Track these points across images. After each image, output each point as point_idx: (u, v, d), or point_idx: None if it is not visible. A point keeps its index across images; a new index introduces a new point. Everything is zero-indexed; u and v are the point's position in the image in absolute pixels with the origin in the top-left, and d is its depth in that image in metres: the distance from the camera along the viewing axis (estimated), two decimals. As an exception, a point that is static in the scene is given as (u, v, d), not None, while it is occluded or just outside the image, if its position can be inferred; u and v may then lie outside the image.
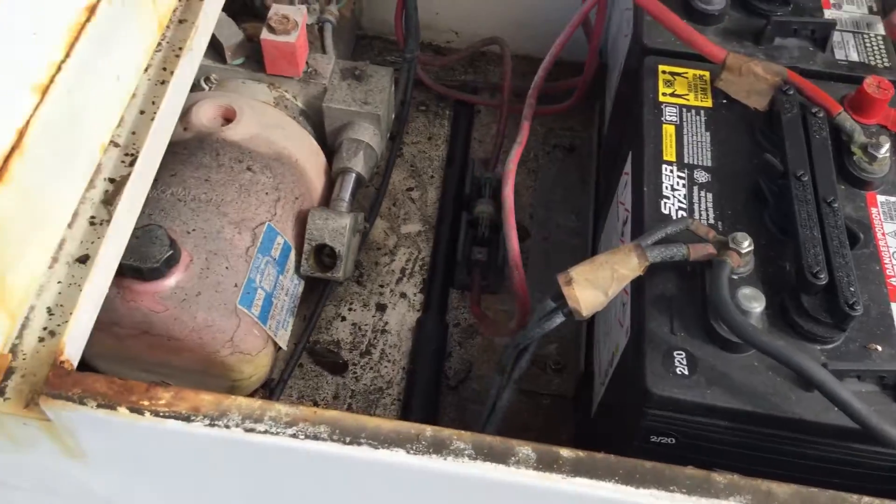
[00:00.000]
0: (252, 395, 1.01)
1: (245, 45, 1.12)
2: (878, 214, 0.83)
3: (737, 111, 0.91)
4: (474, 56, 1.58)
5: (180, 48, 0.83)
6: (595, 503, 0.56)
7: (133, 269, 0.82)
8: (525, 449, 0.57)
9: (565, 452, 0.56)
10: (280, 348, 0.98)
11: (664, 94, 0.92)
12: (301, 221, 1.03)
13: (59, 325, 0.63)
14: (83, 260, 0.68)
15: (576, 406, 1.10)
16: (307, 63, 1.14)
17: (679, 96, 0.92)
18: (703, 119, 0.90)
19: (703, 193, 0.84)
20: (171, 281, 0.85)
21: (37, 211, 0.61)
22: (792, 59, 0.97)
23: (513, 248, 0.89)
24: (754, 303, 0.72)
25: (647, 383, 0.70)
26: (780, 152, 0.85)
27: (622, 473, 0.55)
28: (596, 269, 0.73)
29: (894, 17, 1.01)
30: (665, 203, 0.82)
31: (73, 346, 0.62)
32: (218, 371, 0.90)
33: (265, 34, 1.06)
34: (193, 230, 0.90)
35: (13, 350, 0.61)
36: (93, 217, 0.70)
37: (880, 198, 0.84)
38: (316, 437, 0.58)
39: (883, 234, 0.81)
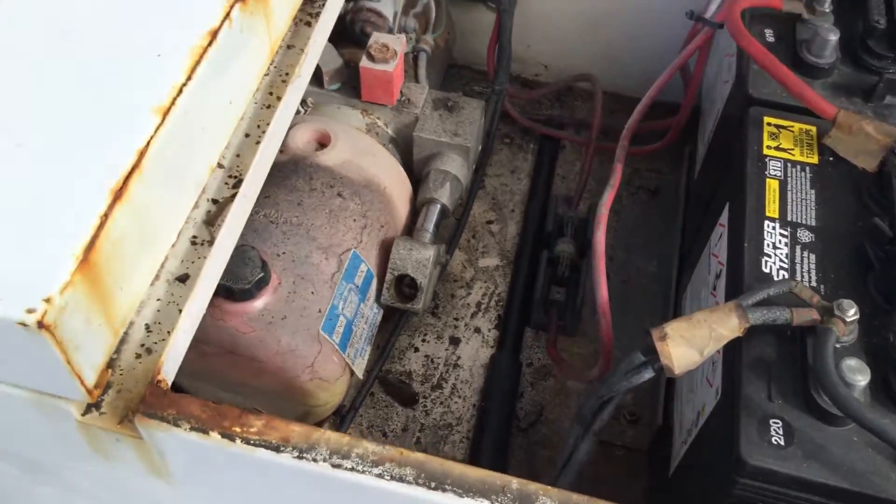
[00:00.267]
0: (322, 421, 1.01)
1: (342, 71, 1.14)
2: None
3: (844, 170, 0.88)
4: (561, 90, 1.57)
5: (287, 73, 0.84)
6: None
7: (224, 289, 0.83)
8: (612, 511, 0.55)
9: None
10: (356, 376, 0.98)
11: (768, 147, 0.89)
12: (384, 249, 1.03)
13: (155, 343, 0.64)
14: (183, 279, 0.69)
15: (651, 460, 1.07)
16: (401, 91, 1.15)
17: (784, 150, 0.89)
18: (808, 176, 0.87)
19: (805, 254, 0.81)
20: (259, 303, 0.86)
21: (148, 230, 0.63)
22: (904, 119, 0.93)
23: (601, 295, 0.87)
24: (859, 375, 0.69)
25: (741, 451, 0.67)
26: (889, 216, 0.81)
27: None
28: (693, 327, 0.71)
29: None
30: (766, 261, 0.79)
31: (170, 365, 0.63)
32: (295, 395, 0.90)
33: (364, 62, 1.08)
34: (283, 253, 0.91)
35: (111, 364, 0.62)
36: (195, 237, 0.71)
37: None
38: (401, 479, 0.57)
39: None
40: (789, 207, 0.84)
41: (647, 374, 0.74)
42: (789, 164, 0.88)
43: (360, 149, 1.05)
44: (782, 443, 0.67)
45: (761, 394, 0.70)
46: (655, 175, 1.45)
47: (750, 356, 0.72)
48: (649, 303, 1.27)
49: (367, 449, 0.58)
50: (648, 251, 1.34)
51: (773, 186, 0.86)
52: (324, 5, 0.91)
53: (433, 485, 0.57)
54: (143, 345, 0.64)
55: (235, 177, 0.76)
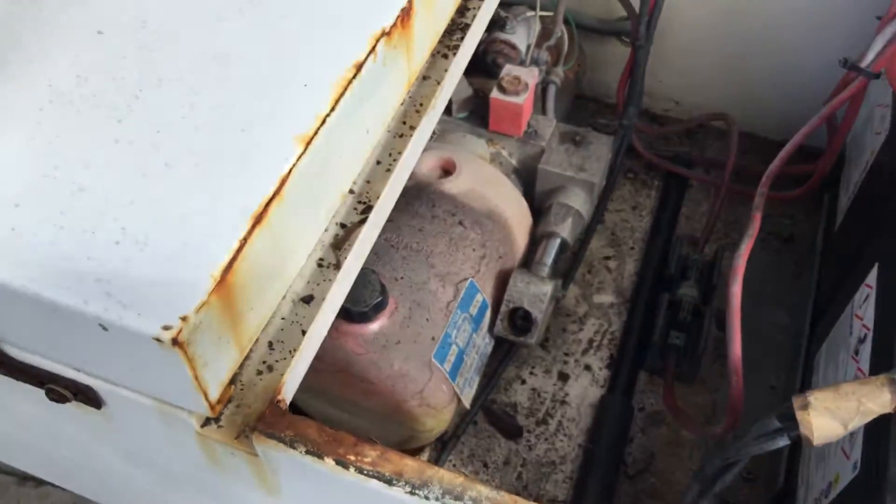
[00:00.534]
0: (424, 446, 1.01)
1: (471, 100, 1.14)
2: None
3: None
4: (691, 127, 1.52)
5: (421, 104, 0.85)
6: None
7: (343, 310, 0.84)
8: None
9: None
10: (462, 404, 0.98)
11: (928, 209, 0.83)
12: (501, 280, 1.02)
13: (277, 361, 0.66)
14: (307, 300, 0.70)
15: (768, 525, 1.00)
16: (528, 123, 1.14)
17: (946, 212, 0.82)
18: (971, 241, 0.80)
19: (966, 327, 0.74)
20: (375, 326, 0.87)
21: (282, 253, 0.64)
22: None
23: (735, 352, 0.83)
24: None
25: (885, 536, 0.61)
26: None
27: None
28: (839, 399, 0.66)
29: None
30: (920, 332, 0.73)
31: (290, 385, 0.64)
32: (402, 419, 0.91)
33: (496, 93, 1.08)
34: (402, 278, 0.92)
35: (233, 380, 0.64)
36: (321, 259, 0.72)
37: None
38: (513, 529, 0.55)
39: None
40: (950, 274, 0.77)
41: (782, 442, 0.70)
42: (951, 227, 0.81)
43: (483, 178, 1.05)
44: (930, 532, 0.62)
45: (909, 476, 0.64)
46: (790, 222, 1.37)
47: (898, 434, 0.67)
48: (776, 356, 1.20)
49: (480, 493, 0.56)
50: (778, 301, 1.27)
51: (931, 251, 0.79)
52: (462, 39, 0.92)
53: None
54: (264, 362, 0.66)
55: (365, 203, 0.77)
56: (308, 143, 0.64)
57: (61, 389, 0.63)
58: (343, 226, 0.76)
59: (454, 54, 0.91)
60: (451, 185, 1.01)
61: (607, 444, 1.08)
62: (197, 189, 0.61)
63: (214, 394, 0.60)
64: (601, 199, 1.33)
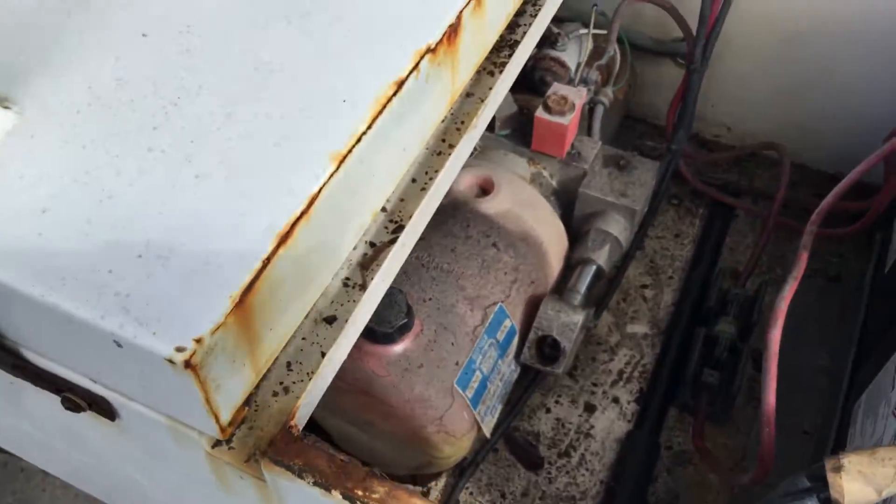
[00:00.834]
0: (442, 472, 0.99)
1: (515, 118, 1.12)
2: None
3: None
4: (741, 155, 1.47)
5: (463, 122, 0.82)
6: None
7: (367, 329, 0.82)
8: None
9: None
10: (482, 432, 0.95)
11: None
12: (531, 306, 0.99)
13: (294, 383, 0.64)
14: (330, 320, 0.68)
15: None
16: (572, 144, 1.11)
17: None
18: None
19: None
20: (399, 347, 0.85)
21: (306, 273, 0.63)
22: None
23: (769, 401, 0.79)
24: None
25: None
26: None
27: None
28: (875, 464, 0.62)
29: None
30: (970, 401, 0.69)
31: (305, 408, 0.63)
32: (420, 444, 0.89)
33: (541, 112, 1.05)
34: (430, 299, 0.90)
35: (247, 401, 0.62)
36: (347, 279, 0.71)
37: None
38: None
39: None
40: None
41: (810, 503, 0.66)
42: None
43: (521, 200, 1.02)
44: None
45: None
46: (838, 260, 1.32)
47: (938, 510, 0.63)
48: (814, 400, 1.15)
49: (487, 542, 0.54)
50: (820, 342, 1.22)
51: None
52: (510, 56, 0.89)
53: None
54: (281, 383, 0.64)
55: (396, 222, 0.75)
56: (341, 162, 0.62)
57: (77, 398, 0.63)
58: (373, 244, 0.74)
59: (500, 72, 0.88)
60: (488, 206, 0.99)
61: (630, 483, 1.05)
62: (225, 204, 0.59)
63: (226, 416, 0.59)
64: (643, 225, 1.30)
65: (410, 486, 0.95)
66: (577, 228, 1.11)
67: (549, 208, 1.06)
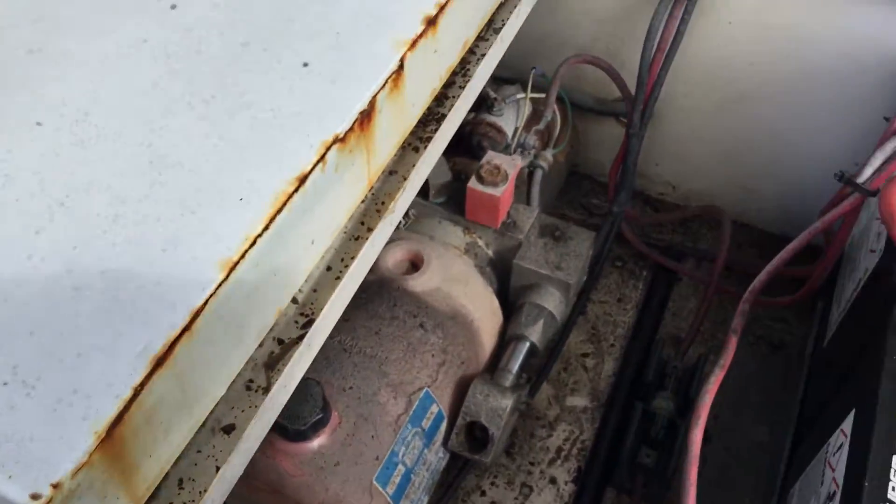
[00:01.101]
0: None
1: (450, 185, 1.08)
2: None
3: None
4: (686, 216, 1.45)
5: (383, 202, 0.78)
6: None
7: (279, 426, 0.77)
8: None
9: None
10: (408, 524, 0.90)
11: (918, 360, 0.76)
12: (461, 387, 0.95)
13: (185, 503, 0.59)
14: (228, 430, 0.63)
15: None
16: (508, 213, 1.08)
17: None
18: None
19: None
20: (314, 444, 0.80)
21: (192, 391, 0.58)
22: None
23: (690, 510, 0.75)
24: None
25: None
26: None
27: None
28: None
29: None
30: (895, 513, 0.66)
31: (191, 540, 0.58)
32: (337, 544, 0.83)
33: (473, 182, 1.01)
34: (350, 388, 0.85)
35: (130, 528, 0.57)
36: (250, 381, 0.66)
37: None
38: None
39: None
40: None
41: None
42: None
43: (451, 275, 0.98)
44: None
45: None
46: (781, 327, 1.30)
47: None
48: (752, 478, 1.13)
49: None
50: (760, 415, 1.20)
51: (918, 414, 0.72)
52: (437, 130, 0.86)
53: None
54: (171, 503, 0.59)
55: (307, 315, 0.71)
56: (231, 269, 0.58)
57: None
58: (280, 342, 0.69)
59: (426, 147, 0.85)
60: (416, 283, 0.95)
61: (564, 569, 1.00)
62: (100, 322, 0.54)
63: (96, 565, 0.53)
64: (584, 290, 1.27)
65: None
66: (514, 299, 1.08)
67: (481, 282, 1.02)
